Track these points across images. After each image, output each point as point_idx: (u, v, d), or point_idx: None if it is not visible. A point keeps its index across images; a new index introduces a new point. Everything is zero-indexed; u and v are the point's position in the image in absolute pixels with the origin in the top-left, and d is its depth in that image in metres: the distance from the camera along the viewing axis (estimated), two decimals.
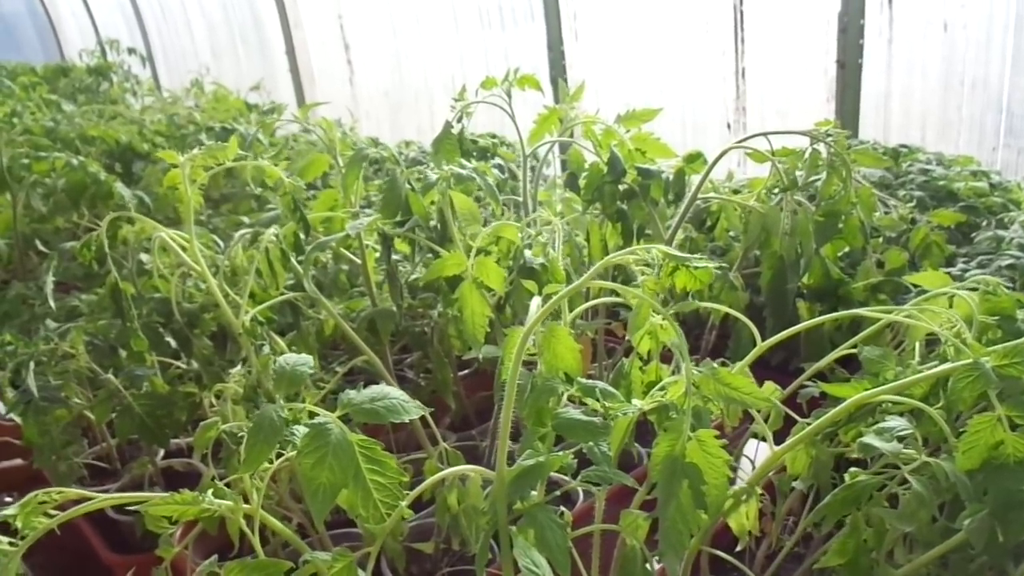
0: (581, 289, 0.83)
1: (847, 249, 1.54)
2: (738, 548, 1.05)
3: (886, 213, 1.68)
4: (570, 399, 0.89)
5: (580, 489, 1.10)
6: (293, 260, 1.39)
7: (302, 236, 1.40)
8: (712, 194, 1.61)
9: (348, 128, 3.54)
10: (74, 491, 0.74)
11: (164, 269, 1.55)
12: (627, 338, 1.16)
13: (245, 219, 2.06)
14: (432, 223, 1.38)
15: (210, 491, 0.78)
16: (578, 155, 1.60)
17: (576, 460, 0.85)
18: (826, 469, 1.03)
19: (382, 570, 1.31)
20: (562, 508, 0.85)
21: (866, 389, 0.93)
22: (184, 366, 1.61)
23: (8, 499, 1.94)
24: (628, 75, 3.90)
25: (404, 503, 0.76)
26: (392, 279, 1.47)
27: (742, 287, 1.52)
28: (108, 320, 1.59)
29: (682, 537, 0.75)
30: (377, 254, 1.49)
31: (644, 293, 0.83)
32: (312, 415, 0.77)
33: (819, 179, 1.45)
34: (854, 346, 1.10)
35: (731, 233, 1.74)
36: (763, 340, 1.04)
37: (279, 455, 0.90)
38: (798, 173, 1.45)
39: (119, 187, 2.10)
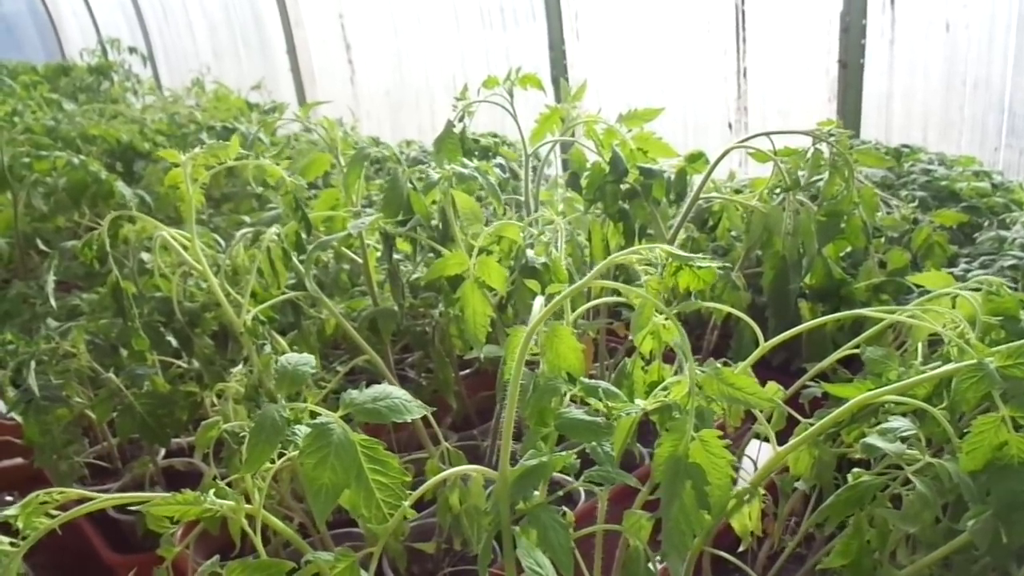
0: (584, 289, 0.83)
1: (849, 249, 1.54)
2: (740, 549, 1.04)
3: (888, 213, 1.68)
4: (573, 399, 0.89)
5: (582, 489, 1.10)
6: (295, 259, 1.39)
7: (303, 235, 1.40)
8: (714, 194, 1.60)
9: (349, 127, 3.54)
10: (75, 491, 0.74)
11: (165, 268, 1.54)
12: (629, 338, 1.16)
13: (246, 218, 2.06)
14: (434, 222, 1.37)
15: (212, 491, 0.78)
16: (580, 155, 1.60)
17: (579, 460, 0.85)
18: (829, 470, 1.03)
19: (383, 570, 1.31)
20: (564, 508, 0.85)
21: (869, 389, 0.93)
22: (185, 365, 1.61)
23: (9, 498, 1.94)
24: (630, 75, 3.90)
25: (407, 503, 0.76)
26: (394, 278, 1.46)
27: (744, 287, 1.52)
28: (109, 319, 1.59)
29: (685, 537, 0.75)
30: (378, 253, 1.49)
31: (647, 293, 0.83)
32: (314, 415, 0.77)
33: (821, 179, 1.45)
34: (856, 346, 1.10)
35: (733, 233, 1.74)
36: (765, 340, 1.04)
37: (281, 455, 0.90)
38: (800, 173, 1.45)
39: (120, 186, 2.10)
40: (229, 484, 0.95)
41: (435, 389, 1.67)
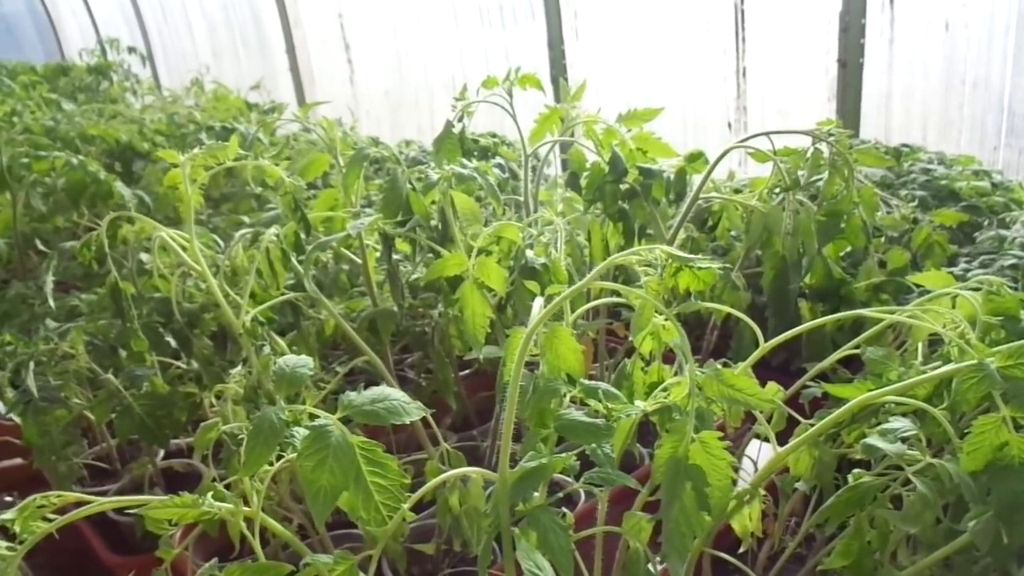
0: (583, 289, 0.83)
1: (849, 249, 1.54)
2: (741, 549, 1.04)
3: (888, 213, 1.68)
4: (573, 400, 0.89)
5: (582, 490, 1.10)
6: (294, 260, 1.39)
7: (302, 236, 1.39)
8: (714, 194, 1.60)
9: (348, 127, 3.54)
10: (73, 495, 0.74)
11: (164, 269, 1.54)
12: (628, 338, 1.16)
13: (245, 219, 2.05)
14: (433, 223, 1.37)
15: (210, 494, 0.78)
16: (579, 155, 1.59)
17: (579, 461, 0.85)
18: (829, 470, 1.02)
19: (383, 571, 1.31)
20: (564, 510, 0.85)
21: (869, 390, 0.92)
22: (184, 366, 1.61)
23: (9, 499, 1.94)
24: (629, 74, 3.89)
25: (406, 505, 0.76)
26: (393, 279, 1.46)
27: (744, 287, 1.51)
28: (108, 320, 1.58)
29: (685, 539, 0.75)
30: (378, 254, 1.49)
31: (647, 294, 0.83)
32: (312, 417, 0.77)
33: (821, 179, 1.45)
34: (856, 347, 1.09)
35: (733, 233, 1.73)
36: (765, 340, 1.04)
37: (279, 456, 0.89)
38: (800, 173, 1.45)
39: (119, 186, 2.09)
40: (228, 486, 0.95)
41: (435, 390, 1.67)
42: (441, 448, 1.26)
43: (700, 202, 1.54)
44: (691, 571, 1.00)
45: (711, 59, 3.47)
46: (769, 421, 1.03)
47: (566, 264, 1.31)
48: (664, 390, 0.86)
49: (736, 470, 0.87)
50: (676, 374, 0.96)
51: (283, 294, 1.39)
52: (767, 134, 1.45)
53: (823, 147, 1.43)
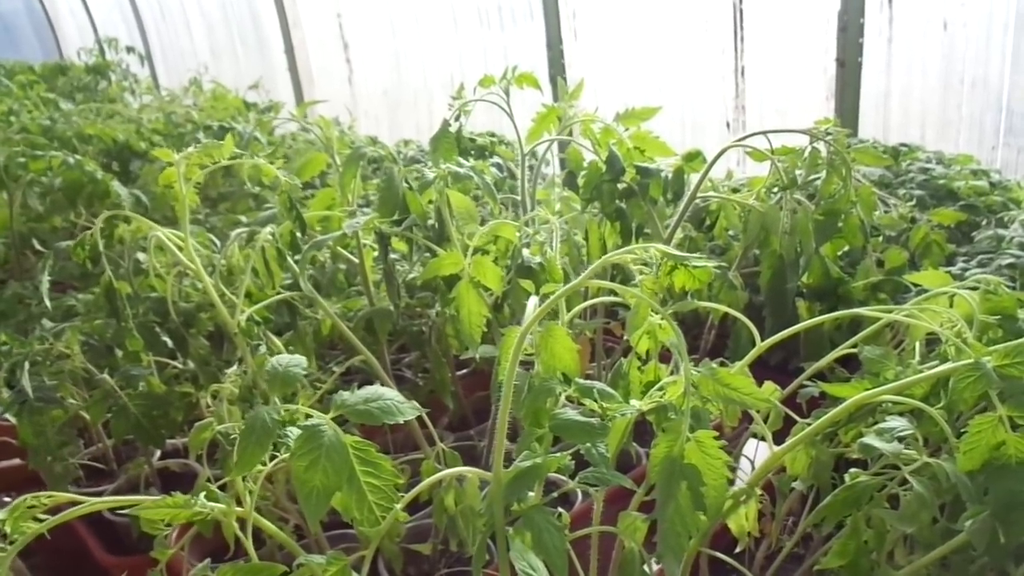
0: (579, 288, 0.82)
1: (847, 248, 1.54)
2: (737, 549, 1.04)
3: (886, 212, 1.68)
4: (568, 399, 0.88)
5: (579, 490, 1.10)
6: (290, 259, 1.38)
7: (298, 235, 1.39)
8: (711, 193, 1.60)
9: (347, 127, 3.54)
10: (64, 495, 0.73)
11: (160, 268, 1.54)
12: (626, 338, 1.15)
13: (243, 218, 2.05)
14: (430, 222, 1.37)
15: (203, 494, 0.77)
16: (577, 154, 1.59)
17: (574, 461, 0.85)
18: (826, 470, 1.02)
19: (379, 571, 1.30)
20: (560, 510, 0.84)
21: (866, 389, 0.92)
22: (180, 366, 1.60)
23: (7, 499, 1.94)
24: (627, 74, 3.89)
25: (399, 505, 0.75)
26: (389, 278, 1.46)
27: (741, 286, 1.51)
28: (104, 320, 1.58)
29: (681, 539, 0.74)
30: (375, 253, 1.48)
31: (642, 292, 0.82)
32: (307, 416, 0.76)
33: (819, 178, 1.44)
34: (854, 346, 1.09)
35: (730, 232, 1.73)
36: (762, 340, 1.03)
37: (274, 457, 0.89)
38: (798, 172, 1.44)
39: (116, 186, 2.09)
40: (224, 486, 0.95)
41: (431, 389, 1.66)
42: (437, 448, 1.25)
43: (698, 201, 1.54)
44: (687, 571, 1.00)
45: (709, 58, 3.47)
46: (766, 420, 1.02)
47: (562, 263, 1.31)
48: (660, 389, 0.86)
49: (733, 470, 0.87)
50: (672, 373, 0.96)
51: (279, 293, 1.39)
52: (764, 133, 1.45)
53: (821, 146, 1.43)
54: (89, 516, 1.41)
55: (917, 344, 1.09)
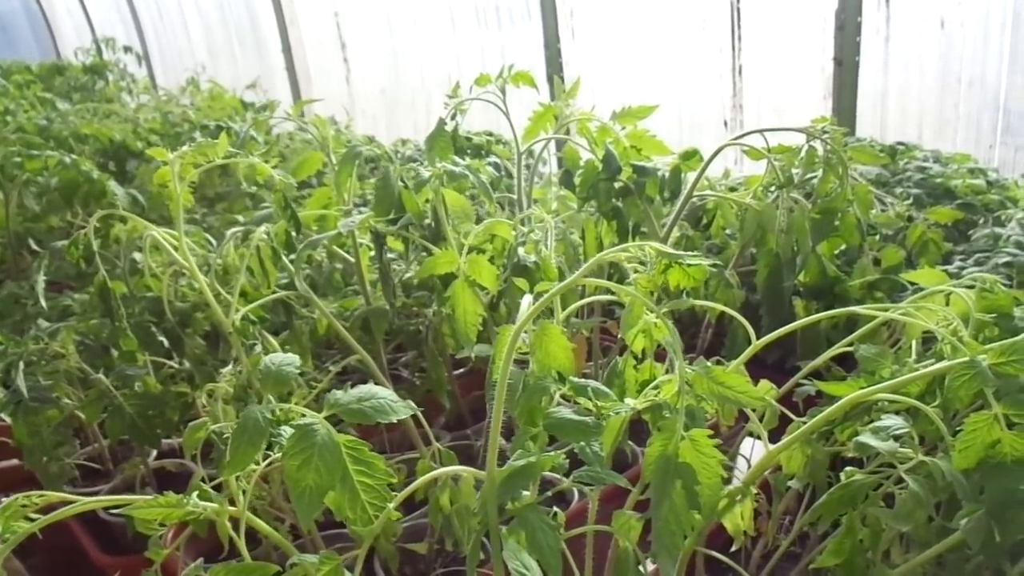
0: (573, 287, 0.82)
1: (843, 247, 1.53)
2: (734, 548, 1.04)
3: (883, 210, 1.68)
4: (563, 398, 0.88)
5: (576, 489, 1.09)
6: (285, 259, 1.38)
7: (293, 234, 1.39)
8: (708, 192, 1.60)
9: (344, 126, 3.53)
10: (56, 495, 0.73)
11: (156, 268, 1.53)
12: (620, 336, 1.15)
13: (239, 218, 2.04)
14: (426, 221, 1.37)
15: (196, 493, 0.77)
16: (573, 152, 1.59)
17: (570, 460, 0.84)
18: (822, 468, 1.02)
19: (375, 570, 1.30)
20: (555, 509, 0.84)
21: (862, 387, 0.92)
22: (176, 366, 1.60)
23: (5, 500, 1.93)
24: (625, 73, 3.89)
25: (392, 505, 0.75)
26: (385, 277, 1.46)
27: (738, 285, 1.51)
28: (99, 319, 1.57)
29: (675, 538, 0.74)
30: (372, 252, 1.48)
31: (637, 291, 0.82)
32: (300, 415, 0.76)
33: (815, 176, 1.44)
34: (850, 344, 1.09)
35: (727, 231, 1.73)
36: (759, 338, 1.03)
37: (269, 456, 0.89)
38: (794, 170, 1.44)
39: (112, 185, 2.09)
40: (219, 486, 0.95)
41: (428, 389, 1.66)
42: (433, 447, 1.25)
43: (694, 200, 1.53)
44: (683, 570, 1.00)
45: (707, 57, 3.47)
46: (761, 419, 1.02)
47: (559, 262, 1.31)
48: (655, 388, 0.86)
49: (729, 468, 0.87)
50: (668, 372, 0.96)
51: (275, 293, 1.39)
52: (761, 131, 1.44)
53: (817, 145, 1.42)
54: (84, 516, 1.41)
55: (913, 342, 1.09)
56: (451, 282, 1.20)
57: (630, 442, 1.42)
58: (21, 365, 1.44)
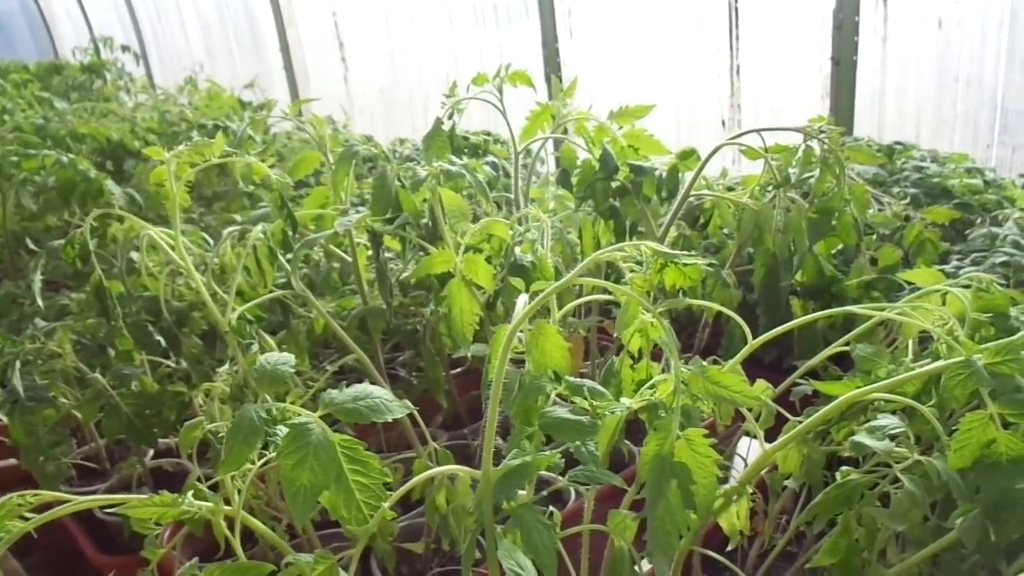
0: (569, 287, 0.82)
1: (840, 246, 1.54)
2: (730, 547, 1.04)
3: (880, 210, 1.68)
4: (560, 397, 0.88)
5: (572, 488, 1.09)
6: (282, 258, 1.38)
7: (289, 233, 1.38)
8: (705, 191, 1.60)
9: (342, 125, 3.53)
10: (50, 494, 0.73)
11: (153, 267, 1.53)
12: (616, 336, 1.15)
13: (237, 217, 2.04)
14: (423, 220, 1.37)
15: (191, 493, 0.77)
16: (570, 152, 1.59)
17: (567, 458, 0.84)
18: (818, 468, 1.02)
19: (372, 569, 1.30)
20: (551, 508, 0.84)
21: (858, 387, 0.92)
22: (173, 365, 1.60)
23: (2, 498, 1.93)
24: (623, 72, 3.89)
25: (387, 504, 0.75)
26: (382, 277, 1.46)
27: (735, 284, 1.51)
28: (96, 319, 1.57)
29: (671, 537, 0.74)
30: (369, 252, 1.48)
31: (633, 290, 0.82)
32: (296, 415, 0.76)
33: (812, 176, 1.44)
34: (847, 344, 1.09)
35: (725, 230, 1.73)
36: (757, 337, 1.03)
37: (264, 455, 0.89)
38: (791, 170, 1.44)
39: (110, 185, 2.08)
40: (215, 485, 0.95)
41: (426, 388, 1.66)
42: (430, 447, 1.25)
43: (692, 199, 1.53)
44: (679, 569, 1.00)
45: (705, 57, 3.47)
46: (758, 419, 1.02)
47: (555, 262, 1.31)
48: (651, 387, 0.86)
49: (726, 468, 0.87)
50: (664, 371, 0.96)
51: (272, 292, 1.39)
52: (758, 131, 1.44)
53: (815, 144, 1.42)
54: (81, 515, 1.41)
55: (910, 342, 1.09)
56: (448, 281, 1.20)
57: (627, 441, 1.42)
58: (18, 364, 1.44)
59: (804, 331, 1.44)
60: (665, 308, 0.86)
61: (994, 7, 2.69)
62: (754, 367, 1.04)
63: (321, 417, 0.76)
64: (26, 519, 0.73)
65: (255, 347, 1.33)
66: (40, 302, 1.59)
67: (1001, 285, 1.08)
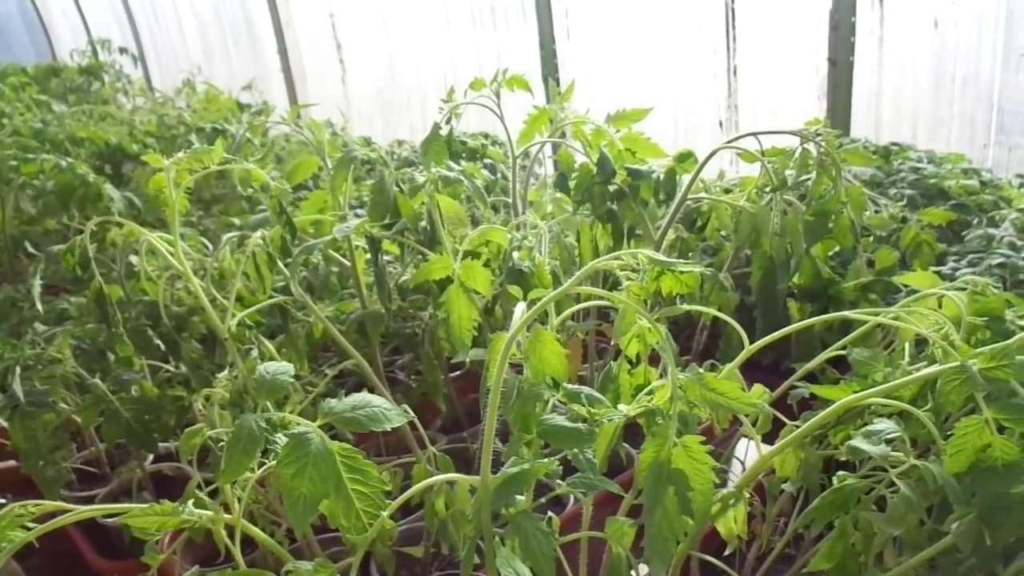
0: (567, 294, 0.82)
1: (837, 248, 1.54)
2: (728, 551, 1.04)
3: (876, 212, 1.68)
4: (562, 402, 0.89)
5: (571, 494, 1.10)
6: (281, 263, 1.38)
7: (288, 239, 1.39)
8: (703, 194, 1.60)
9: (340, 127, 3.53)
10: (52, 504, 0.73)
11: (152, 272, 1.54)
12: (613, 342, 1.16)
13: (236, 221, 2.05)
14: (422, 224, 1.37)
15: (191, 501, 0.77)
16: (568, 156, 1.59)
17: (565, 464, 0.85)
18: (815, 472, 1.02)
19: (371, 574, 1.31)
20: (550, 514, 0.85)
21: (855, 391, 0.93)
22: (173, 370, 1.60)
23: (2, 501, 1.93)
24: (620, 73, 3.89)
25: (386, 512, 0.75)
26: (380, 281, 1.46)
27: (732, 287, 1.51)
28: (96, 324, 1.58)
29: (668, 543, 0.75)
30: (368, 256, 1.48)
31: (629, 298, 0.83)
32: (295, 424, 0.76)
33: (809, 178, 1.45)
34: (844, 347, 1.10)
35: (722, 233, 1.73)
36: (754, 340, 1.04)
37: (264, 462, 0.89)
38: (788, 172, 1.45)
39: (108, 189, 2.09)
40: (215, 490, 0.95)
41: (424, 392, 1.66)
42: (429, 451, 1.26)
43: (689, 202, 1.54)
44: (677, 574, 1.00)
45: (702, 58, 3.47)
46: (755, 424, 1.02)
47: (553, 266, 1.31)
48: (649, 393, 0.86)
49: (724, 472, 0.87)
50: (662, 376, 0.96)
51: (271, 297, 1.39)
52: (755, 134, 1.45)
53: (811, 147, 1.43)
54: (82, 520, 1.41)
55: (907, 345, 1.09)
56: (446, 287, 1.21)
57: (625, 444, 1.42)
58: (18, 369, 1.44)
59: (801, 334, 1.44)
60: (662, 315, 0.87)
61: (990, 7, 2.69)
62: (752, 369, 1.04)
63: (320, 424, 0.76)
64: (27, 528, 0.74)
65: (255, 352, 1.34)
66: (40, 306, 1.59)
67: (997, 287, 1.08)
